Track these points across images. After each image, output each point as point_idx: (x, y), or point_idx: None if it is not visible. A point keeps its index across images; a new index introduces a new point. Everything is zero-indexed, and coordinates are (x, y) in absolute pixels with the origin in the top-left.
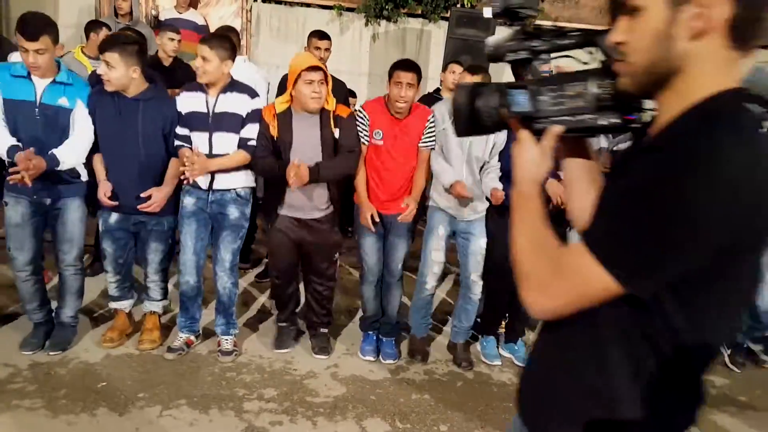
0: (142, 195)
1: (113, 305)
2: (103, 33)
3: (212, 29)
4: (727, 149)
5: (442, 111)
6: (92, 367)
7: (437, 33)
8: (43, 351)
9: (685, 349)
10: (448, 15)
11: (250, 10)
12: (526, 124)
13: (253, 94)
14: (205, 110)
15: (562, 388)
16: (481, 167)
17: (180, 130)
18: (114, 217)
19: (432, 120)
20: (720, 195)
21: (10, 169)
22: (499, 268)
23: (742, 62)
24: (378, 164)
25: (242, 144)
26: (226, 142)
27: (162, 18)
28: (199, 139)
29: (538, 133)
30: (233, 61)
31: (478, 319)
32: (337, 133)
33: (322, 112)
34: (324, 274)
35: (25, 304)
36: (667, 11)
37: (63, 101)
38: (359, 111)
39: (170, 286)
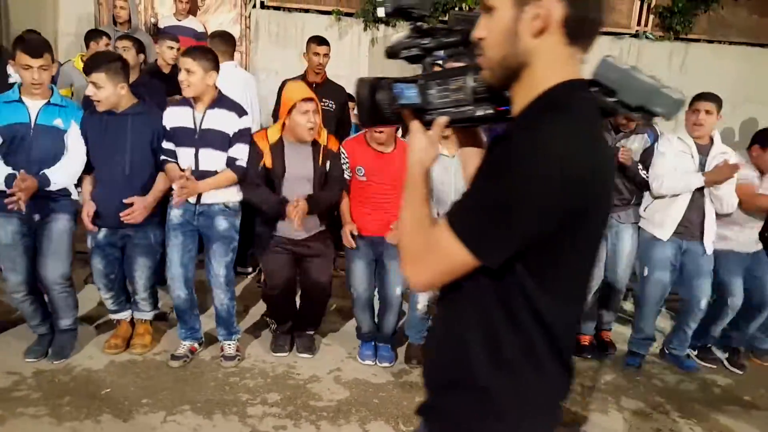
0: (124, 201)
1: (113, 317)
2: (103, 42)
3: None
4: (557, 135)
5: None
6: (96, 374)
7: None
8: (47, 359)
9: (541, 318)
10: (446, 18)
11: (249, 17)
12: (418, 115)
13: (241, 112)
14: (192, 125)
15: (439, 359)
16: None
17: (166, 145)
18: (102, 232)
19: None
20: (552, 174)
21: (7, 199)
22: None
23: (582, 57)
24: (365, 197)
25: (230, 163)
26: (212, 159)
27: (161, 25)
28: (185, 154)
29: (428, 124)
30: (218, 72)
31: None
32: (328, 165)
33: (315, 145)
34: (318, 286)
35: (27, 321)
36: (513, 11)
37: (58, 122)
38: (341, 150)
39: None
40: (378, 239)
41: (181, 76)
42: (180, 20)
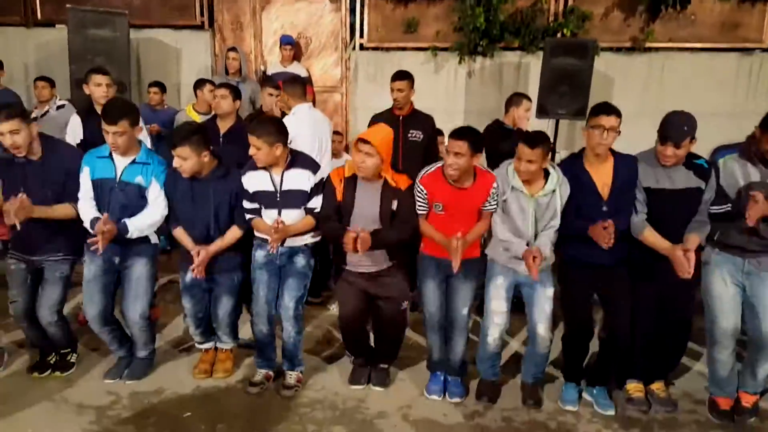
0: (191, 251)
1: (198, 346)
2: (207, 89)
3: (315, 79)
4: None
5: (500, 177)
6: (182, 397)
7: (537, 64)
8: (121, 379)
9: None
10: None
11: (349, 59)
12: None
13: (315, 168)
14: (272, 188)
15: None
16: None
17: (248, 205)
18: (189, 276)
19: (496, 186)
20: None
21: (89, 239)
22: (577, 315)
23: None
24: (440, 228)
25: (309, 212)
26: (292, 216)
27: (269, 72)
28: (269, 215)
29: None
30: (284, 143)
31: None
32: (395, 204)
33: (385, 183)
34: (391, 322)
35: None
36: None
37: (139, 179)
38: (417, 185)
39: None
40: (448, 261)
41: (251, 152)
42: (286, 67)
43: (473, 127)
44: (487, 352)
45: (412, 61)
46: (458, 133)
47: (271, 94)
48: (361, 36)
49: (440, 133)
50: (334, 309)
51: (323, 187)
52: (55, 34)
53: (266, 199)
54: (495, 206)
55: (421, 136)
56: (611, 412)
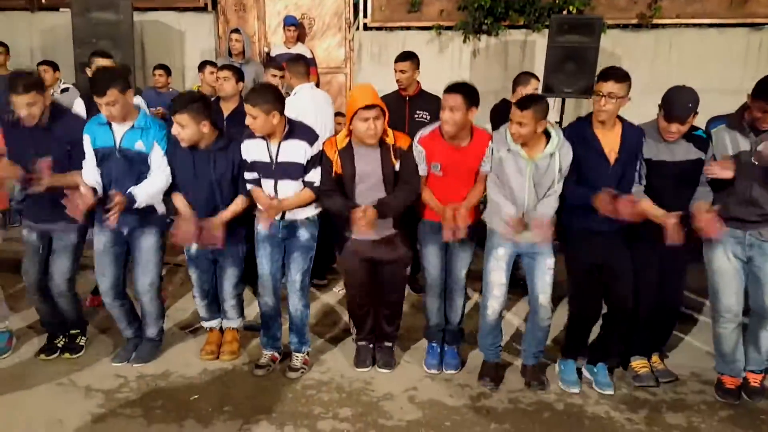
0: (201, 225)
1: (205, 324)
2: (208, 71)
3: (319, 60)
4: None
5: (498, 138)
6: (189, 380)
7: (542, 42)
8: (129, 363)
9: None
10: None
11: (353, 39)
12: None
13: (312, 139)
14: (268, 159)
15: None
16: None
17: (249, 175)
18: (194, 246)
19: (491, 146)
20: None
21: (105, 215)
22: (584, 288)
23: None
24: (439, 190)
25: (307, 185)
26: (289, 188)
27: (273, 54)
28: (266, 185)
29: None
30: (281, 111)
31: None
32: (397, 165)
33: (383, 145)
34: (392, 289)
35: (117, 323)
36: None
37: (139, 145)
38: (416, 145)
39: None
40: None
41: (247, 121)
42: (289, 48)
43: (467, 82)
44: (487, 325)
45: (416, 41)
46: (452, 88)
47: (274, 76)
48: (365, 16)
49: None
50: (339, 290)
51: (320, 159)
52: (59, 18)
53: (263, 169)
54: (490, 166)
55: (428, 117)
56: (610, 392)
